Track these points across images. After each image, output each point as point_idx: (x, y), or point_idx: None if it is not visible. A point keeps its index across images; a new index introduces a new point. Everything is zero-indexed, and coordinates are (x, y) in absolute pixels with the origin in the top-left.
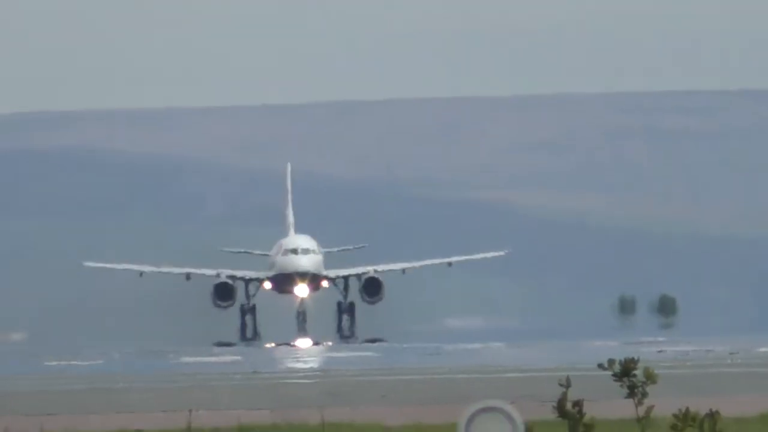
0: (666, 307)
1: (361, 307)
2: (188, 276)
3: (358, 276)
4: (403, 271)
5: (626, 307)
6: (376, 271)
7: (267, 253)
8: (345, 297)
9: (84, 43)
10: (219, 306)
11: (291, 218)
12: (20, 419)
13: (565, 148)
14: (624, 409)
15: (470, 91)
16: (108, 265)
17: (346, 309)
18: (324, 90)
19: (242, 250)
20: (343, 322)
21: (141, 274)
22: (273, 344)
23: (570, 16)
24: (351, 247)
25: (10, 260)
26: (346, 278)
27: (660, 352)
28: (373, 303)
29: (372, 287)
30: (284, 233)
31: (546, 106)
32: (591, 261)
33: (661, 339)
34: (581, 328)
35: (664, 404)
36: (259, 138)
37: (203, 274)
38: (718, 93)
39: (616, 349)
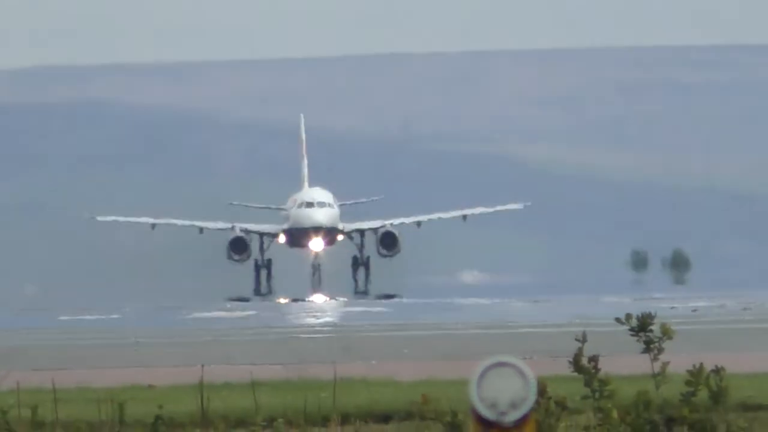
0: (679, 263)
1: (377, 262)
2: (201, 230)
3: (374, 230)
4: (418, 224)
5: (639, 262)
6: (392, 224)
7: (281, 207)
8: (360, 251)
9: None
10: (233, 260)
11: (305, 171)
12: (32, 374)
13: (580, 102)
14: (638, 364)
15: (484, 45)
16: (120, 218)
17: (361, 263)
18: (338, 44)
19: (254, 205)
20: (358, 277)
21: (153, 226)
22: (287, 299)
23: None
24: (365, 200)
25: (23, 215)
26: (361, 232)
27: (673, 308)
28: (389, 257)
29: (388, 241)
30: (298, 187)
31: (561, 61)
32: (605, 216)
33: (674, 295)
34: (594, 283)
35: (677, 360)
36: (272, 92)
37: (217, 228)
38: (734, 47)
39: (629, 305)
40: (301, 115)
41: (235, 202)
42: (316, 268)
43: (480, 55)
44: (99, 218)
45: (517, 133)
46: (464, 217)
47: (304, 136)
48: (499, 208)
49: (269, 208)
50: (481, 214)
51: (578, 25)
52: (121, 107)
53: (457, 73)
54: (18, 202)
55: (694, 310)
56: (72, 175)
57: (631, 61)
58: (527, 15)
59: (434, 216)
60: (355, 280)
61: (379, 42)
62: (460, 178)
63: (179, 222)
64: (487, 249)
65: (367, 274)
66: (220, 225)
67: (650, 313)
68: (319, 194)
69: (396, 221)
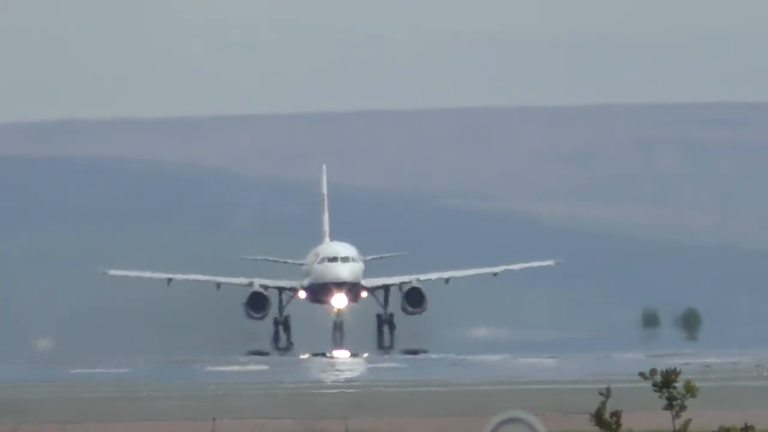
0: (691, 320)
1: (402, 319)
2: (219, 285)
3: (399, 286)
4: (447, 280)
5: (650, 319)
6: (418, 280)
7: (300, 261)
8: (385, 308)
9: (113, 52)
10: (252, 317)
11: (326, 224)
12: (43, 426)
13: (595, 159)
14: (655, 420)
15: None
16: (132, 273)
17: (385, 321)
18: (351, 99)
19: (271, 258)
20: (384, 335)
21: (169, 281)
22: (307, 354)
23: (601, 27)
24: (390, 255)
25: (37, 267)
26: (386, 288)
27: (686, 364)
28: (415, 314)
29: (415, 297)
30: (318, 241)
31: (575, 117)
32: (616, 272)
33: (686, 351)
34: (606, 340)
35: (693, 416)
36: (286, 147)
37: (235, 284)
38: (749, 105)
39: (642, 361)
40: (323, 167)
41: (249, 257)
42: (338, 325)
43: (493, 111)
44: (112, 272)
45: (531, 189)
46: (495, 273)
47: (325, 188)
48: (532, 264)
49: (286, 262)
50: (505, 271)
51: (593, 81)
52: (134, 162)
53: (469, 129)
54: (30, 255)
55: (707, 366)
56: (84, 229)
57: (645, 118)
58: (541, 71)
59: (465, 273)
60: (380, 337)
61: (391, 98)
62: (472, 234)
63: (197, 277)
64: (497, 305)
65: (392, 332)
66: (239, 280)
67: (674, 369)
68: (343, 248)
69: (423, 276)
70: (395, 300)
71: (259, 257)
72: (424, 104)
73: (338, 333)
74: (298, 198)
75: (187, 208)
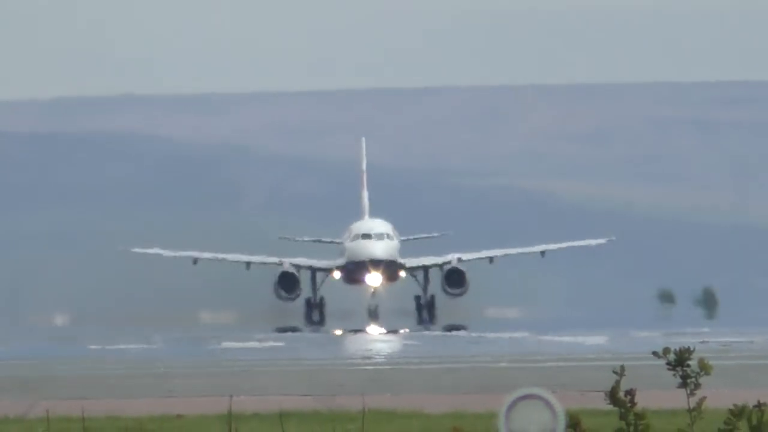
0: (708, 299)
1: (442, 299)
2: (248, 265)
3: (440, 266)
4: (491, 260)
5: (667, 297)
6: (459, 260)
7: (335, 240)
8: (424, 291)
9: (126, 28)
10: (282, 298)
11: (366, 201)
12: (62, 403)
13: (612, 138)
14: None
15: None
16: (156, 251)
17: (425, 304)
18: (369, 77)
19: (304, 238)
20: (422, 316)
21: (195, 261)
22: (341, 331)
23: (618, 6)
24: (431, 235)
25: (55, 245)
26: (425, 268)
27: (702, 342)
28: (456, 296)
29: (455, 278)
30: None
31: (591, 96)
32: (634, 251)
33: (704, 329)
34: (623, 319)
35: (710, 395)
36: (306, 124)
37: (264, 263)
38: (766, 83)
39: (658, 339)
40: (363, 140)
41: (284, 237)
42: (373, 305)
43: (511, 90)
44: (135, 250)
45: (547, 168)
46: (542, 253)
47: (365, 163)
48: (579, 243)
49: (320, 241)
50: (558, 249)
51: (610, 60)
52: (149, 139)
53: (484, 108)
54: (48, 233)
55: (724, 345)
56: (100, 207)
57: (661, 97)
58: (557, 49)
59: (510, 251)
60: (419, 317)
61: (408, 75)
62: (488, 213)
63: (224, 256)
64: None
65: (432, 314)
66: (268, 259)
67: (688, 348)
68: (378, 225)
69: (464, 256)
70: (435, 281)
71: (298, 238)
72: (441, 82)
73: (373, 312)
74: (318, 175)
75: (206, 186)
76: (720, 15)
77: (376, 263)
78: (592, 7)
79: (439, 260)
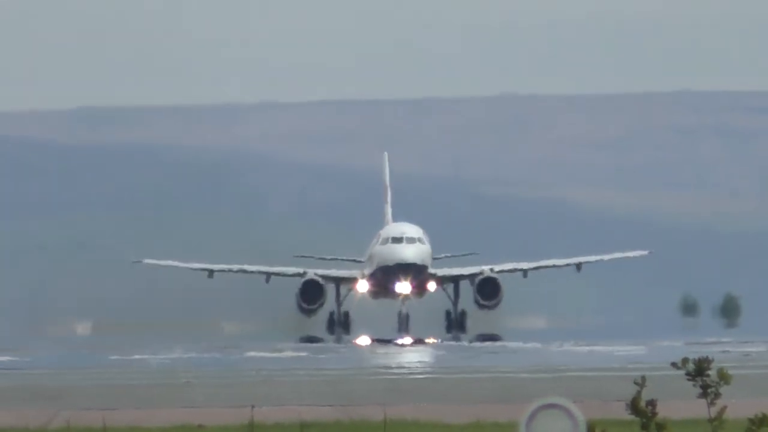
0: (729, 309)
1: (473, 312)
2: (268, 277)
3: (471, 277)
4: (525, 273)
5: (689, 307)
6: (492, 270)
7: (357, 258)
8: (455, 305)
9: (148, 39)
10: (304, 309)
11: (389, 215)
12: (83, 413)
13: (635, 147)
14: (691, 409)
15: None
16: (167, 263)
17: (456, 319)
18: (393, 87)
19: (325, 257)
20: (453, 329)
21: (210, 273)
22: (369, 340)
23: (641, 14)
24: (454, 254)
25: (76, 255)
26: (456, 279)
27: (724, 352)
28: (489, 308)
29: (488, 289)
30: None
31: (616, 104)
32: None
33: (726, 339)
34: (645, 328)
35: (732, 405)
36: (324, 133)
37: (286, 274)
38: None
39: (680, 348)
40: (385, 154)
41: (299, 255)
42: (404, 315)
43: (535, 99)
44: (146, 262)
45: (570, 177)
46: (578, 266)
47: (388, 177)
48: (623, 255)
49: (338, 259)
50: (597, 261)
51: (634, 69)
52: (168, 149)
53: (508, 117)
54: (69, 241)
55: (746, 355)
56: (126, 216)
57: (686, 106)
58: (581, 59)
59: (545, 263)
60: (449, 330)
61: (433, 85)
62: (512, 221)
63: (242, 267)
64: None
65: (463, 330)
66: (289, 270)
67: (707, 358)
68: (409, 229)
69: (497, 267)
70: (465, 295)
71: (315, 256)
72: (465, 91)
73: (403, 322)
74: (337, 184)
75: (225, 195)
76: (747, 23)
77: (405, 268)
78: (616, 16)
79: (471, 271)
